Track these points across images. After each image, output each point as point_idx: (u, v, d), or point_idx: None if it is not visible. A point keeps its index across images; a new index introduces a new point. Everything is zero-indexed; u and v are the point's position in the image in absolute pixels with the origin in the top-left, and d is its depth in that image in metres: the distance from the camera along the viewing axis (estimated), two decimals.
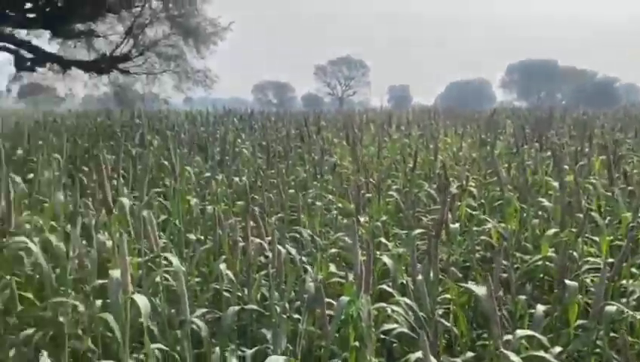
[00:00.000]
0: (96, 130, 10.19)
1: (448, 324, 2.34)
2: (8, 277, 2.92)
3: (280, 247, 2.61)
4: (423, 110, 16.19)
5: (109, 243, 2.97)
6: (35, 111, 13.89)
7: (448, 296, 2.53)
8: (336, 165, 4.86)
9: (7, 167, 4.65)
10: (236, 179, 4.92)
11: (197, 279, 3.19)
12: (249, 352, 2.25)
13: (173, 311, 2.98)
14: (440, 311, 2.42)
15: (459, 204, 3.72)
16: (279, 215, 3.96)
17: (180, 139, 7.13)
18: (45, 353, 1.21)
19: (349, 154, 6.28)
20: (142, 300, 2.06)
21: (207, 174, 4.86)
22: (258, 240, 2.58)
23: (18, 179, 3.98)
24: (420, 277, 2.23)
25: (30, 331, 2.68)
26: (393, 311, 2.34)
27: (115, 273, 2.32)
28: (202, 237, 3.64)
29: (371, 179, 4.13)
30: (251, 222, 2.76)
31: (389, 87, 79.44)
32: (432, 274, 2.22)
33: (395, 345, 2.59)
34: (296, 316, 2.61)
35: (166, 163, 4.99)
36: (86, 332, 2.78)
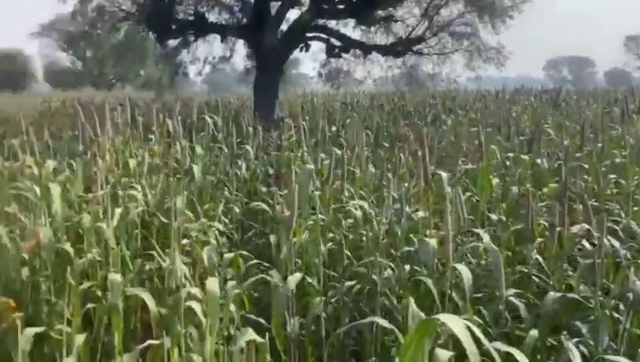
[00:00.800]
0: (392, 110, 10.96)
1: None
2: (330, 235, 3.41)
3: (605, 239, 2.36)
4: None
5: (419, 214, 3.15)
6: (338, 93, 15.61)
7: None
8: None
9: (329, 143, 5.43)
10: (538, 160, 4.66)
11: None
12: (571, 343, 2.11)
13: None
14: None
15: None
16: (591, 203, 3.58)
17: (472, 118, 7.10)
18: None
19: None
20: (464, 270, 2.13)
21: (510, 154, 4.71)
22: (586, 226, 2.38)
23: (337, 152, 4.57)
24: None
25: (350, 283, 3.06)
26: None
27: (430, 241, 2.46)
28: (504, 218, 3.56)
29: None
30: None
31: None
32: None
33: None
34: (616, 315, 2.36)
35: (461, 143, 5.03)
36: (393, 293, 3.04)
